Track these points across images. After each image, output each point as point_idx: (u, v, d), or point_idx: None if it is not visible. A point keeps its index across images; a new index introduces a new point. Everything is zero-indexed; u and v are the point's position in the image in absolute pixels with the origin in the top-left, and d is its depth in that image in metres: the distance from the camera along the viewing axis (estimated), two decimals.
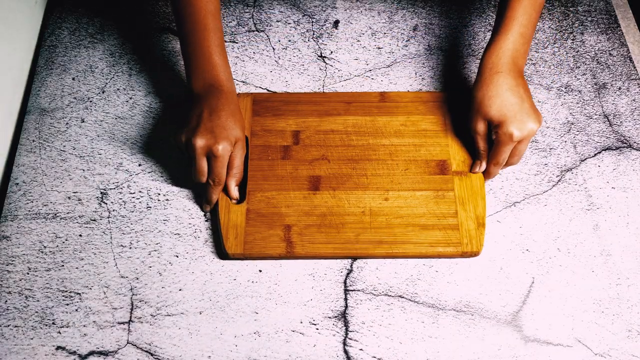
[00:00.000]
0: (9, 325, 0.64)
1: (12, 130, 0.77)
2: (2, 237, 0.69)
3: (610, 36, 0.84)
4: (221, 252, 0.68)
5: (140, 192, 0.72)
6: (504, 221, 0.70)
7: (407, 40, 0.83)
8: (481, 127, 0.68)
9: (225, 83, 0.68)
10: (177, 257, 0.68)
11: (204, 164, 0.65)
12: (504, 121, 0.65)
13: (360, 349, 0.63)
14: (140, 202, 0.71)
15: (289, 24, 0.85)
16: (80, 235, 0.69)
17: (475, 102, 0.68)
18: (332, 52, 0.82)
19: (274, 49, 0.83)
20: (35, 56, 0.84)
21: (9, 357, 0.62)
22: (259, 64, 0.81)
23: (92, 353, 0.62)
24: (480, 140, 0.69)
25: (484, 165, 0.70)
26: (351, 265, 0.68)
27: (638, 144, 0.76)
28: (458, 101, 0.76)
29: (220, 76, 0.68)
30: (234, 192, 0.68)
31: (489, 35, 0.84)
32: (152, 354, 0.62)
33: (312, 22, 0.85)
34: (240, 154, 0.68)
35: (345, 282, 0.67)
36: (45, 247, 0.68)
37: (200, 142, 0.64)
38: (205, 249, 0.68)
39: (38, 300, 0.65)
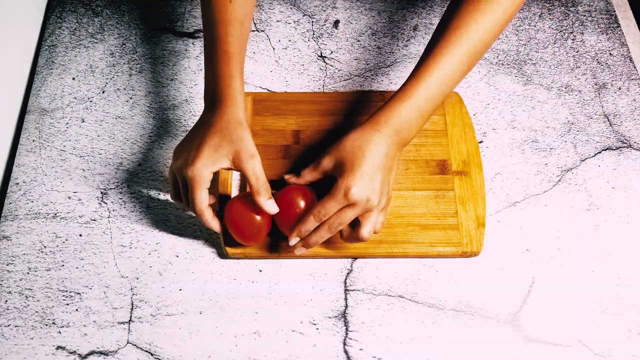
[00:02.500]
0: (9, 325, 0.64)
1: (13, 130, 0.77)
2: (2, 237, 0.69)
3: (611, 36, 0.84)
4: (221, 252, 0.68)
5: (140, 192, 0.72)
6: (504, 221, 0.70)
7: (407, 40, 0.83)
8: (328, 163, 0.61)
9: (239, 112, 0.60)
10: (177, 257, 0.68)
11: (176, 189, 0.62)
12: (349, 176, 0.57)
13: (360, 349, 0.63)
14: (140, 202, 0.71)
15: (289, 23, 0.85)
16: (81, 235, 0.69)
17: (340, 142, 0.60)
18: (332, 52, 0.82)
19: (274, 48, 0.83)
20: (36, 56, 0.84)
21: (9, 356, 0.62)
22: (259, 63, 0.81)
23: (92, 353, 0.63)
24: (313, 174, 0.63)
25: (293, 179, 0.64)
26: (351, 265, 0.68)
27: (638, 144, 0.76)
28: (458, 101, 0.76)
29: (222, 88, 0.60)
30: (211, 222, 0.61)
31: None
32: (152, 354, 0.63)
33: (312, 22, 0.85)
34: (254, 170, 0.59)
35: (345, 282, 0.67)
36: (45, 247, 0.68)
37: (174, 164, 0.60)
38: (205, 249, 0.68)
39: (38, 300, 0.65)
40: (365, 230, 0.59)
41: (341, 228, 0.59)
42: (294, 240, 0.61)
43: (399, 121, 0.60)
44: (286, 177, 0.65)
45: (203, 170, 0.57)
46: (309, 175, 0.63)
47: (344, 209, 0.58)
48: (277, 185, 0.71)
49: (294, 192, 0.63)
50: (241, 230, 0.62)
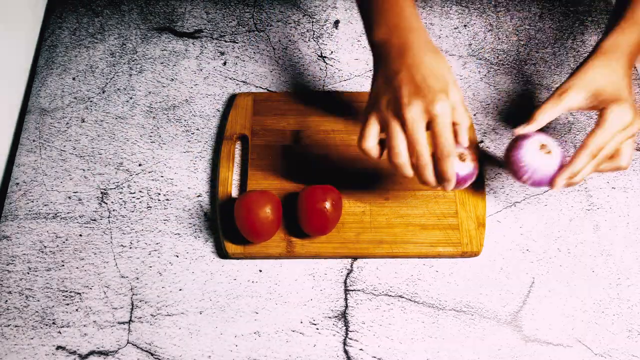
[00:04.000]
0: (9, 325, 0.64)
1: (13, 130, 0.77)
2: (2, 237, 0.69)
3: None
4: (221, 252, 0.68)
5: (140, 192, 0.72)
6: (504, 221, 0.70)
7: None
8: (576, 97, 0.58)
9: (414, 19, 0.55)
10: (177, 257, 0.68)
11: (422, 139, 0.51)
12: (621, 101, 0.56)
13: (360, 349, 0.63)
14: (140, 202, 0.71)
15: (289, 24, 0.85)
16: (81, 235, 0.69)
17: (586, 72, 0.59)
18: (332, 52, 0.82)
19: (274, 48, 0.83)
20: (36, 56, 0.84)
21: (9, 356, 0.62)
22: (259, 63, 0.81)
23: (92, 353, 0.63)
24: (555, 110, 0.59)
25: (528, 127, 0.60)
26: (351, 265, 0.68)
27: (638, 143, 0.76)
28: None
29: (406, 13, 0.55)
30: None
31: (489, 35, 0.84)
32: (152, 354, 0.63)
33: (313, 22, 0.85)
34: (460, 101, 0.53)
35: (345, 282, 0.67)
36: (45, 247, 0.68)
37: (412, 110, 0.50)
38: (205, 249, 0.68)
39: (38, 300, 0.65)
40: (627, 158, 0.59)
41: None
42: (561, 184, 0.58)
43: (634, 45, 0.59)
44: (517, 130, 0.60)
45: (447, 103, 0.51)
46: (548, 115, 0.59)
47: (622, 139, 0.57)
48: (278, 187, 0.71)
49: (318, 190, 0.64)
50: (252, 226, 0.62)
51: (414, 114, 0.50)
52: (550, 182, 0.59)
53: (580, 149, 0.57)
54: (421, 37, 0.54)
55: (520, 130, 0.60)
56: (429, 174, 0.52)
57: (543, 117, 0.59)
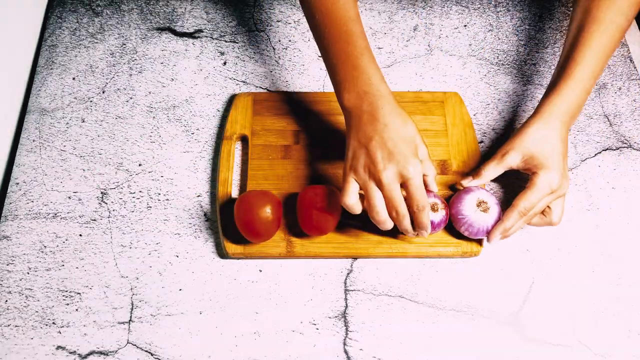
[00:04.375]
0: (9, 325, 0.64)
1: (13, 130, 0.77)
2: (2, 237, 0.69)
3: None
4: (221, 252, 0.68)
5: (140, 192, 0.72)
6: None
7: (407, 40, 0.83)
8: (514, 159, 0.64)
9: (381, 85, 0.60)
10: (177, 257, 0.68)
11: (399, 197, 0.57)
12: (549, 168, 0.62)
13: (360, 349, 0.63)
14: (140, 202, 0.71)
15: (289, 24, 0.85)
16: (81, 235, 0.69)
17: (524, 137, 0.63)
18: None
19: (274, 49, 0.83)
20: (36, 56, 0.84)
21: (9, 356, 0.62)
22: (259, 64, 0.81)
23: (92, 353, 0.63)
24: (496, 169, 0.66)
25: (474, 182, 0.67)
26: (351, 265, 0.68)
27: (638, 144, 0.76)
28: (458, 101, 0.76)
29: (373, 80, 0.59)
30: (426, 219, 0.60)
31: (489, 35, 0.84)
32: (152, 354, 0.63)
33: None
34: (426, 156, 0.62)
35: (345, 282, 0.67)
36: (45, 246, 0.68)
37: (388, 174, 0.57)
38: (205, 249, 0.68)
39: (38, 300, 0.65)
40: (558, 216, 0.64)
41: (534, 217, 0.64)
42: (496, 239, 0.64)
43: (573, 107, 0.63)
44: (464, 182, 0.68)
45: (419, 165, 0.58)
46: (491, 172, 0.67)
47: (548, 200, 0.62)
48: (278, 187, 0.71)
49: (318, 190, 0.64)
50: (252, 226, 0.62)
51: (389, 177, 0.57)
52: (487, 236, 0.65)
53: (511, 208, 0.62)
54: (389, 103, 0.59)
55: (467, 183, 0.68)
56: (407, 224, 0.59)
57: (487, 174, 0.67)
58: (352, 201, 0.59)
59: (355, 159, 0.59)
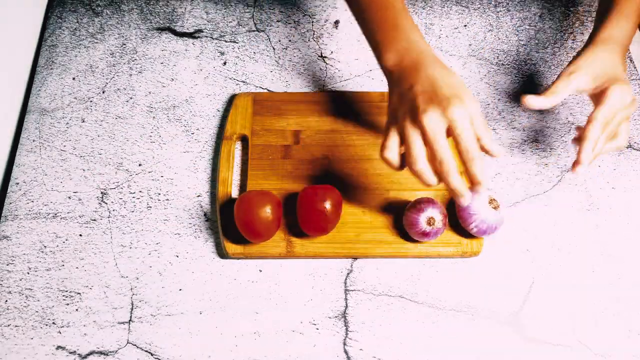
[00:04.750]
0: (9, 325, 0.64)
1: (13, 130, 0.77)
2: (2, 237, 0.69)
3: None
4: (221, 252, 0.68)
5: (140, 192, 0.72)
6: (504, 221, 0.70)
7: None
8: (584, 80, 0.62)
9: (421, 42, 0.57)
10: (177, 257, 0.68)
11: (443, 144, 0.51)
12: (621, 81, 0.60)
13: (360, 349, 0.63)
14: (140, 202, 0.71)
15: (289, 24, 0.85)
16: (81, 235, 0.69)
17: (587, 59, 0.62)
18: (332, 52, 0.82)
19: (274, 49, 0.83)
20: (36, 56, 0.84)
21: (9, 356, 0.62)
22: (259, 63, 0.81)
23: (92, 353, 0.63)
24: (566, 90, 0.61)
25: (547, 100, 0.61)
26: (351, 265, 0.68)
27: (638, 144, 0.76)
28: None
29: (412, 37, 0.57)
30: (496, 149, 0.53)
31: (489, 35, 0.84)
32: (152, 354, 0.63)
33: (313, 22, 0.85)
34: (477, 112, 0.52)
35: (345, 282, 0.67)
36: (45, 246, 0.68)
37: (429, 117, 0.51)
38: (205, 249, 0.68)
39: (38, 300, 0.65)
40: (624, 138, 0.64)
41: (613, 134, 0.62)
42: (587, 160, 0.60)
43: (627, 34, 0.64)
44: (532, 101, 0.61)
45: (464, 108, 0.51)
46: (562, 93, 0.61)
47: (622, 116, 0.61)
48: (278, 187, 0.71)
49: (318, 190, 0.64)
50: (252, 226, 0.62)
51: (431, 119, 0.51)
52: (574, 164, 0.60)
53: (590, 122, 0.60)
54: (431, 56, 0.56)
55: (535, 101, 0.61)
56: (454, 178, 0.52)
57: (557, 94, 0.61)
58: (390, 154, 0.54)
59: (396, 110, 0.55)
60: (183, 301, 0.65)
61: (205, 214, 0.70)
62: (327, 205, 0.63)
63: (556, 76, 0.80)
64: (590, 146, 0.60)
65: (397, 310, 0.65)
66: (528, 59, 0.82)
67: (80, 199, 0.71)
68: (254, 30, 0.84)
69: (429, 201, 0.65)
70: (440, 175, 0.52)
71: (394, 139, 0.54)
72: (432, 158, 0.52)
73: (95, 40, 0.83)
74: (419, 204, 0.64)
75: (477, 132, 0.52)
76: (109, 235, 0.69)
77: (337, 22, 0.85)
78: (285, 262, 0.68)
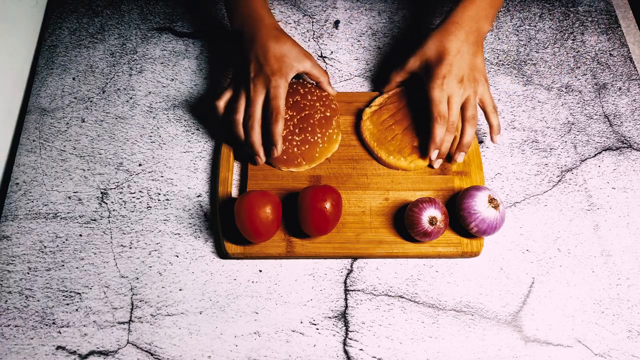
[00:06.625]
0: (9, 325, 0.64)
1: (13, 130, 0.77)
2: (2, 237, 0.69)
3: (611, 36, 0.84)
4: (221, 252, 0.68)
5: (140, 192, 0.72)
6: (504, 221, 0.70)
7: (407, 41, 0.83)
8: (413, 63, 0.70)
9: (262, 11, 0.69)
10: (177, 257, 0.68)
11: (259, 103, 0.67)
12: (442, 63, 0.66)
13: (360, 349, 0.63)
14: (140, 202, 0.71)
15: (289, 24, 0.85)
16: (81, 235, 0.69)
17: (423, 46, 0.69)
18: (332, 52, 0.82)
19: None
20: (36, 56, 0.84)
21: (9, 356, 0.62)
22: None
23: (92, 353, 0.63)
24: (401, 74, 0.72)
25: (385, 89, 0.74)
26: (351, 265, 0.68)
27: (638, 144, 0.76)
28: None
29: (255, 6, 0.69)
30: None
31: (489, 35, 0.84)
32: (152, 354, 0.63)
33: (313, 22, 0.85)
34: (311, 66, 0.70)
35: (345, 282, 0.67)
36: (45, 247, 0.68)
37: (256, 81, 0.67)
38: (205, 249, 0.68)
39: (38, 300, 0.65)
40: (491, 107, 0.69)
41: (457, 119, 0.67)
42: (435, 156, 0.68)
43: (473, 12, 0.68)
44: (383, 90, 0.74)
45: (282, 82, 0.67)
46: (397, 77, 0.73)
47: (451, 100, 0.66)
48: (278, 187, 0.71)
49: (318, 190, 0.64)
50: (252, 226, 0.62)
51: (256, 83, 0.67)
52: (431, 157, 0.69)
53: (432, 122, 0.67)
54: (266, 26, 0.68)
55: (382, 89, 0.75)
56: (255, 133, 0.67)
57: (395, 79, 0.74)
58: (218, 103, 0.69)
59: (237, 66, 0.70)
60: (183, 301, 0.65)
61: (205, 214, 0.70)
62: (327, 205, 0.63)
63: (556, 76, 0.80)
64: (434, 146, 0.67)
65: (397, 310, 0.65)
66: (528, 59, 0.82)
67: (80, 199, 0.71)
68: None
69: (430, 201, 0.65)
70: (245, 131, 0.68)
71: (228, 92, 0.70)
72: (248, 116, 0.67)
73: (95, 40, 0.83)
74: (420, 204, 0.64)
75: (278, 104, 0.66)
76: (109, 235, 0.69)
77: (337, 22, 0.85)
78: (285, 262, 0.68)
